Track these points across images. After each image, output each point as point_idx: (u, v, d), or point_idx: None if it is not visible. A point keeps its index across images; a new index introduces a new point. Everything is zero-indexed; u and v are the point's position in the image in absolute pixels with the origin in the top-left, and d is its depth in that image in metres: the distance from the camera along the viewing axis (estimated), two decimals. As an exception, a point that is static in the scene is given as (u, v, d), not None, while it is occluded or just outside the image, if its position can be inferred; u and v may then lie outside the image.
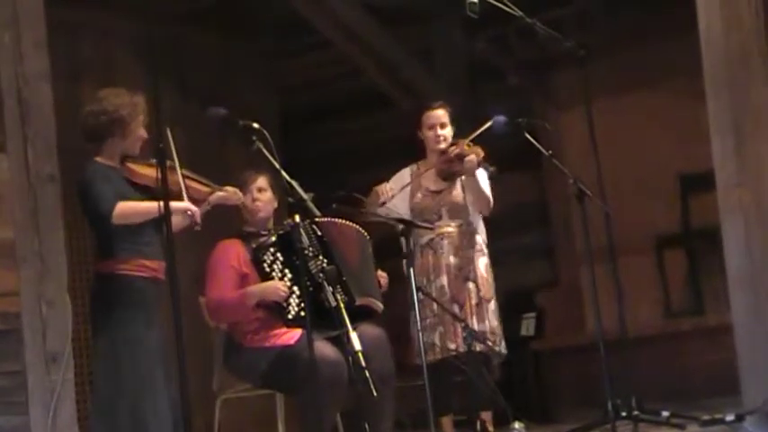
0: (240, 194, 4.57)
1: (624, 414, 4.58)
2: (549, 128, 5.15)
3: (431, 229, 5.07)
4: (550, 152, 5.00)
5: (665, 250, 7.04)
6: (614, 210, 4.96)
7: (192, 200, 4.33)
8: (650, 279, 6.95)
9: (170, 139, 4.12)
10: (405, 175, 5.21)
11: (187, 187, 4.30)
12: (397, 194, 5.10)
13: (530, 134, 5.01)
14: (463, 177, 5.15)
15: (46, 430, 3.84)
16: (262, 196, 4.84)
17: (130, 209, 4.17)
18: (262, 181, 4.83)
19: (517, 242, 7.30)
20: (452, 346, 4.94)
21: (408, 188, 5.15)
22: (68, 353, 3.93)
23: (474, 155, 5.01)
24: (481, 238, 5.18)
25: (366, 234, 4.90)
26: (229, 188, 4.52)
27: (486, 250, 5.18)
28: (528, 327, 6.81)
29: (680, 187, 6.95)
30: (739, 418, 4.25)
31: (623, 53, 6.91)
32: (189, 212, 4.18)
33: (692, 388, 5.77)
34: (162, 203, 3.98)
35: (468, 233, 5.13)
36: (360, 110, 7.85)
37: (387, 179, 5.26)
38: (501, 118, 4.95)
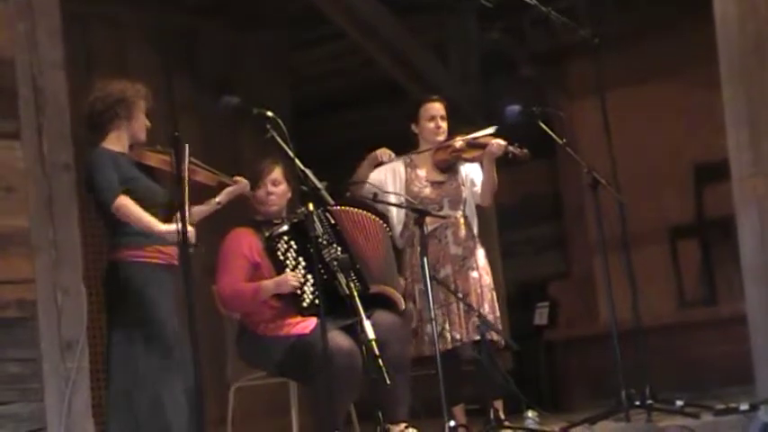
0: (248, 184, 4.56)
1: (638, 403, 4.58)
2: (563, 116, 5.12)
3: (444, 218, 5.06)
4: (565, 140, 4.98)
5: (679, 240, 7.04)
6: (628, 200, 4.95)
7: (200, 184, 4.35)
8: (664, 269, 6.94)
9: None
10: (397, 165, 5.17)
11: (195, 173, 4.30)
12: (388, 175, 5.08)
13: (543, 123, 5.00)
14: (462, 168, 5.14)
15: (61, 417, 3.85)
16: (276, 189, 4.82)
17: (132, 211, 4.18)
18: (277, 173, 4.81)
19: (530, 232, 7.31)
20: (458, 336, 4.94)
21: (403, 180, 5.13)
22: (83, 341, 3.94)
23: (500, 139, 5.00)
24: (476, 230, 5.19)
25: (384, 224, 4.90)
26: (238, 178, 4.53)
27: (479, 242, 5.18)
28: (541, 316, 6.81)
29: (694, 177, 6.93)
30: (753, 408, 4.24)
31: (636, 43, 6.90)
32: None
33: (706, 378, 5.76)
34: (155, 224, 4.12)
35: (468, 224, 5.13)
36: (372, 101, 7.84)
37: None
38: (515, 107, 4.94)
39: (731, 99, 4.52)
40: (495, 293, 5.11)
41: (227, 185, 4.50)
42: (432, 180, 5.13)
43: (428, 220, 4.92)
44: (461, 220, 5.11)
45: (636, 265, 4.89)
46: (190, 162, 4.22)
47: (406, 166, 5.15)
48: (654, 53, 6.90)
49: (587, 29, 5.07)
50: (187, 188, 4.00)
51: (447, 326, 4.94)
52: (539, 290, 6.95)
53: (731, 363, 5.22)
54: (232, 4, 7.02)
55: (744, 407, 4.29)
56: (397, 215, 5.07)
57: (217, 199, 4.49)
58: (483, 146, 5.03)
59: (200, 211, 4.48)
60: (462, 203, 5.14)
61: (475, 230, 5.17)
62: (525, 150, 5.02)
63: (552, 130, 5.03)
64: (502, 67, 7.40)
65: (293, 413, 4.72)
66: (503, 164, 5.11)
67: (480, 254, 5.13)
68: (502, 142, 4.99)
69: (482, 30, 7.34)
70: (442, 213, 5.07)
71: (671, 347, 6.15)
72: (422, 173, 5.14)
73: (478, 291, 5.03)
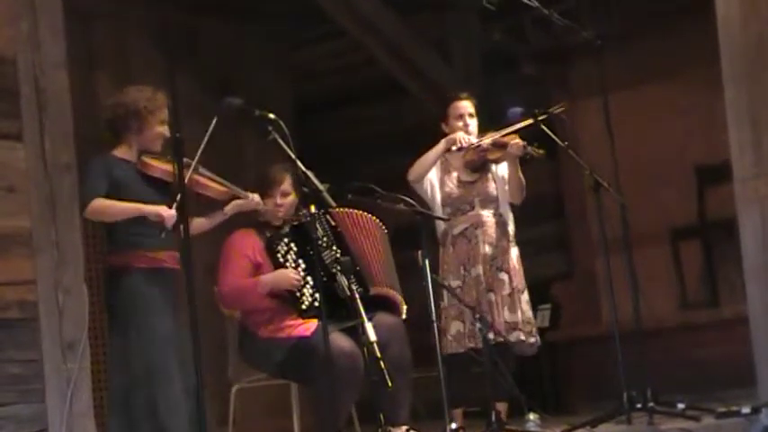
0: (258, 199, 4.52)
1: (639, 406, 4.57)
2: (565, 119, 5.11)
3: (446, 220, 5.06)
4: (566, 143, 4.98)
5: (681, 242, 7.02)
6: (630, 201, 4.94)
7: (210, 199, 4.32)
8: (666, 270, 6.93)
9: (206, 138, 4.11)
10: (437, 167, 5.18)
11: (203, 185, 4.28)
12: (434, 177, 5.10)
13: (545, 125, 4.99)
14: (494, 166, 5.14)
15: (62, 418, 3.86)
16: (285, 201, 4.81)
17: (104, 206, 4.12)
18: (287, 184, 4.78)
19: (532, 233, 7.27)
20: (490, 336, 4.91)
21: (438, 180, 5.14)
22: (85, 341, 3.95)
23: (518, 139, 5.00)
24: (511, 229, 5.18)
25: (383, 226, 4.90)
26: (253, 195, 4.48)
27: (514, 241, 5.17)
28: (543, 318, 6.80)
29: (696, 178, 6.92)
30: (755, 411, 4.24)
31: (639, 43, 6.88)
32: (160, 217, 4.08)
33: (708, 380, 5.74)
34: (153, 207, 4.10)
35: (500, 223, 5.13)
36: (374, 99, 7.84)
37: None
38: (517, 109, 4.94)
39: (733, 100, 4.51)
40: (523, 295, 5.07)
41: (238, 198, 4.45)
42: (463, 180, 5.14)
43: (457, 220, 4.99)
44: (492, 220, 5.11)
45: (638, 266, 4.88)
46: (200, 174, 4.20)
47: (440, 164, 5.15)
48: (656, 54, 6.88)
49: (589, 30, 5.06)
50: (183, 196, 3.99)
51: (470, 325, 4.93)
52: (541, 291, 6.93)
53: (733, 365, 5.21)
54: (233, 3, 7.02)
55: (745, 410, 4.29)
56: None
57: (225, 209, 4.43)
58: (504, 146, 5.03)
59: (202, 223, 4.43)
60: (494, 202, 5.14)
61: (510, 229, 5.15)
62: (542, 151, 5.01)
63: (554, 131, 5.02)
64: (504, 66, 7.39)
65: (294, 414, 4.73)
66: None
67: (513, 253, 5.11)
68: (521, 142, 4.98)
69: (484, 28, 7.33)
70: (472, 213, 5.07)
71: (673, 349, 6.13)
72: (454, 173, 5.15)
73: (504, 293, 5.02)
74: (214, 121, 4.12)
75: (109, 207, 4.12)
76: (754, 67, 4.48)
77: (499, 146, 5.05)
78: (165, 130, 4.28)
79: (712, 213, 6.81)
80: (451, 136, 5.09)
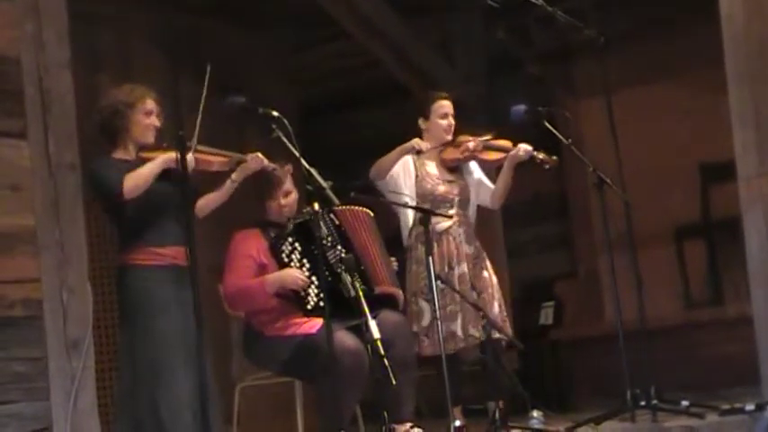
0: (261, 156, 4.48)
1: (643, 403, 4.57)
2: (569, 117, 5.11)
3: (449, 217, 5.06)
4: (570, 140, 4.98)
5: (685, 240, 7.03)
6: (634, 199, 4.94)
7: (217, 173, 4.33)
8: (670, 269, 6.94)
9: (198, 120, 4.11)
10: (408, 160, 5.15)
11: (205, 162, 4.28)
12: (400, 171, 5.07)
13: (549, 123, 5.00)
14: (471, 167, 5.14)
15: (66, 416, 3.85)
16: (289, 200, 4.82)
17: (136, 175, 4.16)
18: (288, 183, 4.79)
19: (536, 231, 7.31)
20: (476, 334, 4.92)
21: (413, 176, 5.12)
22: (89, 340, 3.95)
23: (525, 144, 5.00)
24: None
25: (371, 213, 4.87)
26: (256, 154, 4.47)
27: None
28: (547, 316, 6.81)
29: (700, 177, 6.93)
30: (759, 408, 4.24)
31: (643, 42, 6.89)
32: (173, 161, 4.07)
33: (712, 378, 5.75)
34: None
35: (472, 225, 5.14)
36: (378, 100, 7.85)
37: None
38: (520, 107, 4.94)
39: (737, 99, 4.51)
40: (497, 293, 5.11)
41: (242, 162, 4.44)
42: (444, 178, 5.13)
43: (437, 218, 4.92)
44: (472, 219, 5.12)
45: (642, 265, 4.88)
46: (199, 151, 4.21)
47: (414, 162, 5.14)
48: (660, 53, 6.89)
49: (593, 29, 5.06)
50: (185, 197, 3.99)
51: (459, 324, 4.93)
52: (544, 289, 6.95)
53: (737, 363, 5.21)
54: (237, 5, 7.03)
55: (749, 407, 4.29)
56: (407, 212, 5.05)
57: (232, 177, 4.44)
58: (505, 150, 5.03)
59: (213, 198, 4.46)
60: (469, 203, 5.15)
61: None
62: (555, 157, 5.01)
63: (558, 130, 5.03)
64: (508, 67, 7.39)
65: (299, 413, 4.73)
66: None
67: (485, 254, 5.14)
68: (528, 147, 4.98)
69: (487, 29, 7.34)
70: (451, 212, 5.06)
71: (677, 348, 6.14)
72: (431, 170, 5.14)
73: (490, 290, 5.04)
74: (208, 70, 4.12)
75: (138, 174, 4.17)
76: (758, 67, 4.47)
77: (498, 149, 5.05)
78: (152, 120, 4.32)
79: (716, 212, 6.82)
80: (408, 143, 5.03)
